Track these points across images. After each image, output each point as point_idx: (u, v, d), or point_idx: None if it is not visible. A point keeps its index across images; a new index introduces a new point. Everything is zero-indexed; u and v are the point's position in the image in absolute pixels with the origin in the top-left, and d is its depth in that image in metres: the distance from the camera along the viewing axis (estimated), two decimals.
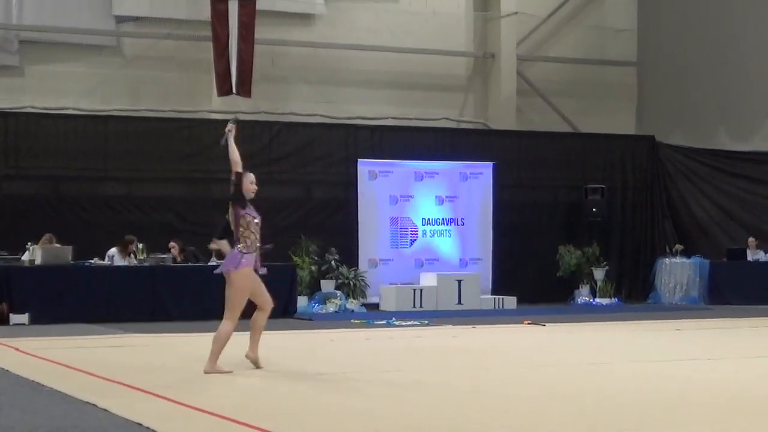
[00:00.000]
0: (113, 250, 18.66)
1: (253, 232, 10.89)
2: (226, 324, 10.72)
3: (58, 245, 18.07)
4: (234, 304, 10.81)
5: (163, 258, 18.83)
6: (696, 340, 15.01)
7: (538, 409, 8.29)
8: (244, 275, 10.72)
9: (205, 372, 10.39)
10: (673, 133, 25.33)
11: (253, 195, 11.06)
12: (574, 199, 24.21)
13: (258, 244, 11.00)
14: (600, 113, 25.99)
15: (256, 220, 10.98)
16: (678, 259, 23.54)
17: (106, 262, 18.54)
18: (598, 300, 23.10)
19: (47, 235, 18.22)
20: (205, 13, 22.27)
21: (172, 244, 19.36)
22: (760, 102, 23.57)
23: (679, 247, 23.91)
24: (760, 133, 23.67)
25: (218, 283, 18.24)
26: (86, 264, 18.34)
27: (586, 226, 23.98)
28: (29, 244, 18.06)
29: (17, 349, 12.89)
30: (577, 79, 26.09)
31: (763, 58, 23.44)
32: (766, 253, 22.63)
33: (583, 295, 23.39)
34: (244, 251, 10.69)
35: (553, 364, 11.90)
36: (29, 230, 18.75)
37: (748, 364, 11.76)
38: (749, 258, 22.76)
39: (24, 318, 16.85)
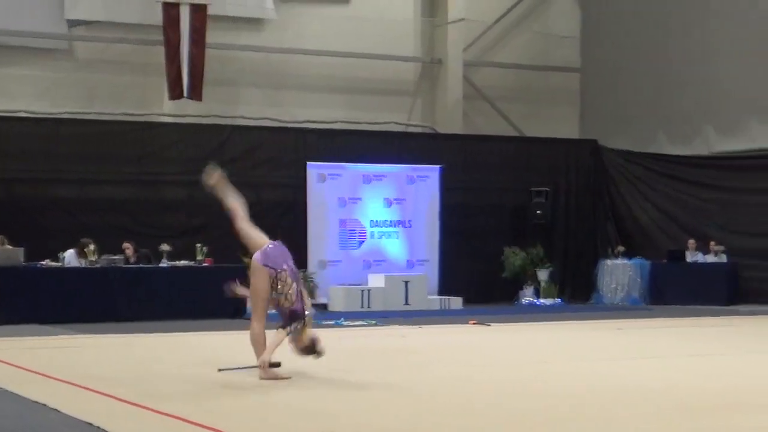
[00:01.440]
0: (71, 252, 18.53)
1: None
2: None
3: (9, 247, 17.94)
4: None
5: (115, 259, 18.70)
6: (636, 339, 15.12)
7: (482, 409, 8.32)
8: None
9: (261, 379, 9.78)
10: (615, 138, 25.52)
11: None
12: (519, 201, 24.34)
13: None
14: (544, 118, 26.15)
15: None
16: (620, 261, 23.74)
17: (59, 263, 18.42)
18: (542, 300, 23.23)
19: None
20: (157, 17, 22.14)
21: (126, 245, 19.25)
22: (698, 107, 23.77)
23: (620, 248, 24.13)
24: (699, 137, 23.88)
25: (169, 284, 18.37)
26: (38, 265, 18.19)
27: (531, 228, 24.12)
28: None
29: None
30: (522, 84, 26.24)
31: (701, 65, 23.65)
32: (704, 255, 22.81)
33: (527, 295, 23.52)
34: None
35: (497, 363, 11.97)
36: None
37: (686, 363, 11.90)
38: (688, 259, 22.95)
39: None
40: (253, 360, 10.04)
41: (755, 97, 22.68)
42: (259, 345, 9.98)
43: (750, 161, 23.05)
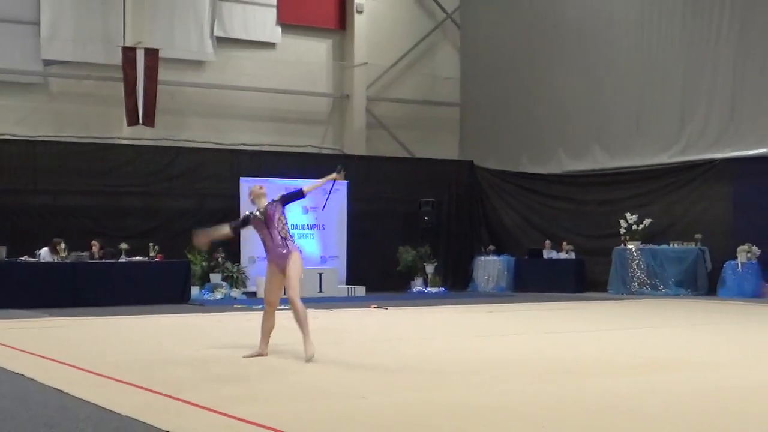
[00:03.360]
0: (45, 249, 18.31)
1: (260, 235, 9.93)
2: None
3: None
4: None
5: (82, 255, 18.53)
6: (503, 319, 15.29)
7: (383, 376, 8.42)
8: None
9: (311, 357, 9.03)
10: (487, 159, 25.80)
11: (258, 198, 10.00)
12: (411, 209, 24.47)
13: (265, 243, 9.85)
14: (430, 142, 26.38)
15: (257, 226, 9.85)
16: (490, 257, 24.02)
17: (36, 259, 18.19)
18: (429, 289, 23.39)
19: None
20: (118, 58, 22.12)
21: (94, 242, 19.12)
22: (553, 136, 24.14)
23: (491, 247, 24.41)
24: (553, 159, 24.22)
25: (127, 276, 18.20)
26: (17, 261, 17.95)
27: (420, 231, 24.24)
28: None
29: None
30: (413, 115, 26.44)
31: (555, 102, 24.02)
32: (557, 252, 23.10)
33: (417, 285, 23.67)
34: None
35: (394, 338, 12.06)
36: None
37: (543, 338, 12.03)
38: (545, 256, 23.23)
39: None
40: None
41: (598, 128, 23.13)
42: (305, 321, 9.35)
43: (592, 178, 23.46)
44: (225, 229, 10.07)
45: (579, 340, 11.78)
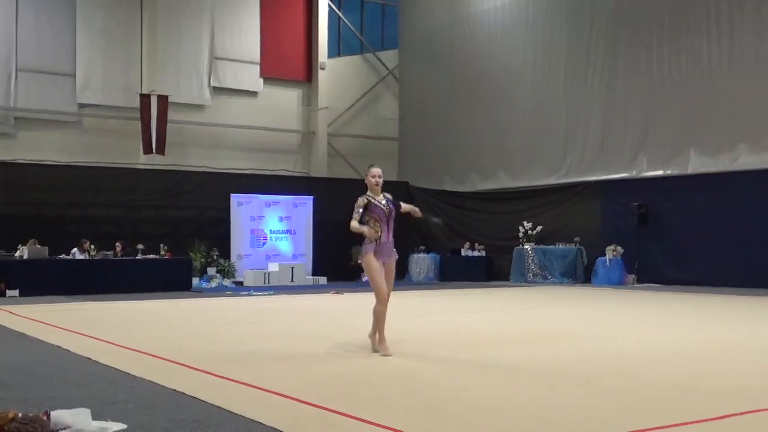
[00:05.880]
0: (75, 249, 18.09)
1: (371, 223, 7.53)
2: (375, 304, 7.65)
3: (38, 246, 17.42)
4: (373, 286, 7.60)
5: (107, 254, 18.30)
6: (431, 302, 15.34)
7: (344, 341, 8.41)
8: (366, 262, 7.53)
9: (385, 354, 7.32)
10: (419, 180, 25.89)
11: (377, 186, 7.69)
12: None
13: (379, 236, 7.53)
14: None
15: (378, 214, 7.57)
16: (422, 255, 24.06)
17: (70, 257, 17.92)
18: None
19: (32, 240, 17.58)
20: (136, 103, 22.02)
21: (117, 243, 18.85)
22: (468, 162, 24.29)
23: (422, 247, 24.46)
24: (468, 180, 24.38)
25: (143, 270, 17.97)
26: (57, 258, 17.67)
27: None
28: (20, 245, 17.41)
29: (11, 312, 12.36)
30: (363, 147, 26.45)
31: (470, 135, 24.18)
32: (472, 251, 23.22)
33: (366, 276, 23.58)
34: (367, 243, 7.57)
35: (345, 316, 12.07)
36: (20, 236, 18.01)
37: (461, 316, 12.13)
38: (463, 254, 23.31)
39: (16, 292, 16.20)
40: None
41: (502, 156, 23.30)
42: (379, 322, 7.63)
43: (498, 195, 23.61)
44: (363, 228, 7.50)
45: (490, 317, 11.84)
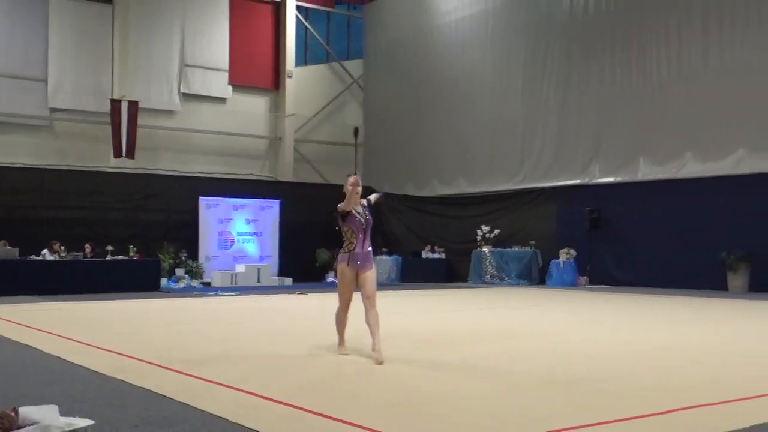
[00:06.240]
0: (45, 250, 17.83)
1: (347, 238, 7.28)
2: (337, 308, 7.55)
3: (9, 247, 17.16)
4: (339, 293, 7.50)
5: (77, 255, 18.07)
6: (392, 302, 15.35)
7: (309, 340, 8.40)
8: (338, 270, 7.40)
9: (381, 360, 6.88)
10: (382, 185, 25.79)
11: (355, 195, 7.20)
12: (326, 221, 24.24)
13: (353, 247, 7.23)
14: (341, 173, 25.58)
15: (355, 225, 7.25)
16: (385, 257, 24.09)
17: (40, 258, 17.66)
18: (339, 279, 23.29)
19: (2, 241, 17.34)
20: (107, 108, 21.77)
21: (87, 245, 18.62)
22: (430, 169, 24.41)
23: (385, 249, 24.50)
24: (429, 185, 24.49)
25: (112, 270, 17.77)
26: (27, 259, 17.41)
27: (334, 237, 24.10)
28: None
29: None
30: (328, 153, 26.43)
31: (431, 142, 24.31)
32: (432, 254, 23.34)
33: (331, 277, 23.57)
34: (341, 252, 7.34)
35: (311, 316, 12.06)
36: None
37: (421, 316, 12.15)
38: (423, 256, 23.44)
39: None
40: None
41: (462, 163, 23.45)
42: (339, 325, 7.59)
43: (458, 200, 23.74)
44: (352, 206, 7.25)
45: (449, 317, 11.91)
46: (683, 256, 17.97)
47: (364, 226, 7.26)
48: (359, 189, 7.21)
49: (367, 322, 7.19)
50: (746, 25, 17.22)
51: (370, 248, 7.36)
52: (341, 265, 7.30)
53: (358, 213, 7.28)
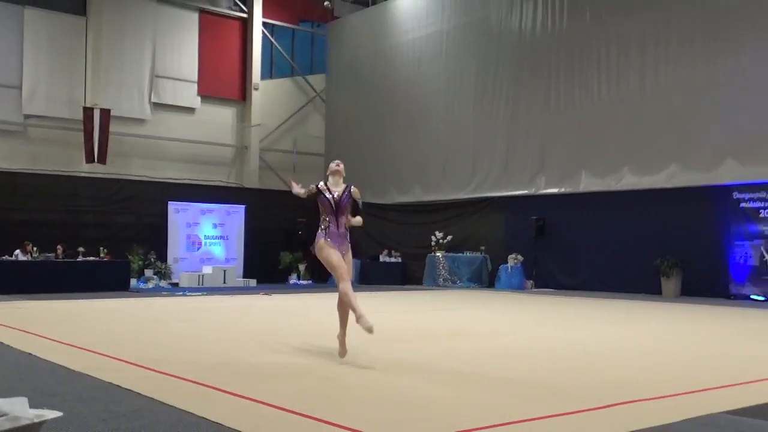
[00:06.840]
0: (18, 251, 17.47)
1: (322, 217, 7.09)
2: (339, 286, 7.04)
3: None
4: (330, 266, 7.05)
5: (49, 256, 17.76)
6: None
7: (273, 337, 8.36)
8: (319, 247, 7.03)
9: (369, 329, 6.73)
10: None
11: (332, 175, 7.18)
12: (289, 226, 24.36)
13: (327, 225, 7.03)
14: (303, 181, 24.50)
15: (324, 205, 7.09)
16: None
17: (12, 258, 17.29)
18: (301, 281, 23.31)
19: None
20: (80, 115, 21.34)
21: (59, 246, 18.30)
22: (387, 178, 24.38)
23: None
24: (387, 194, 24.46)
25: (83, 271, 17.48)
26: (0, 259, 17.04)
27: (295, 241, 24.12)
28: None
29: None
30: (292, 161, 26.30)
31: (389, 153, 24.32)
32: (390, 257, 23.35)
33: (293, 278, 23.56)
34: (318, 232, 7.05)
35: (274, 315, 12.00)
36: None
37: (381, 315, 12.15)
38: (381, 259, 23.43)
39: None
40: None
41: (418, 173, 23.52)
42: (347, 302, 7.10)
43: (414, 208, 23.75)
44: (301, 191, 7.23)
45: (403, 317, 11.94)
46: (621, 263, 18.28)
47: (333, 208, 7.00)
48: (339, 170, 7.11)
49: (342, 298, 6.90)
50: (679, 51, 17.61)
51: (345, 231, 7.09)
52: (320, 241, 6.99)
53: (327, 194, 7.04)
